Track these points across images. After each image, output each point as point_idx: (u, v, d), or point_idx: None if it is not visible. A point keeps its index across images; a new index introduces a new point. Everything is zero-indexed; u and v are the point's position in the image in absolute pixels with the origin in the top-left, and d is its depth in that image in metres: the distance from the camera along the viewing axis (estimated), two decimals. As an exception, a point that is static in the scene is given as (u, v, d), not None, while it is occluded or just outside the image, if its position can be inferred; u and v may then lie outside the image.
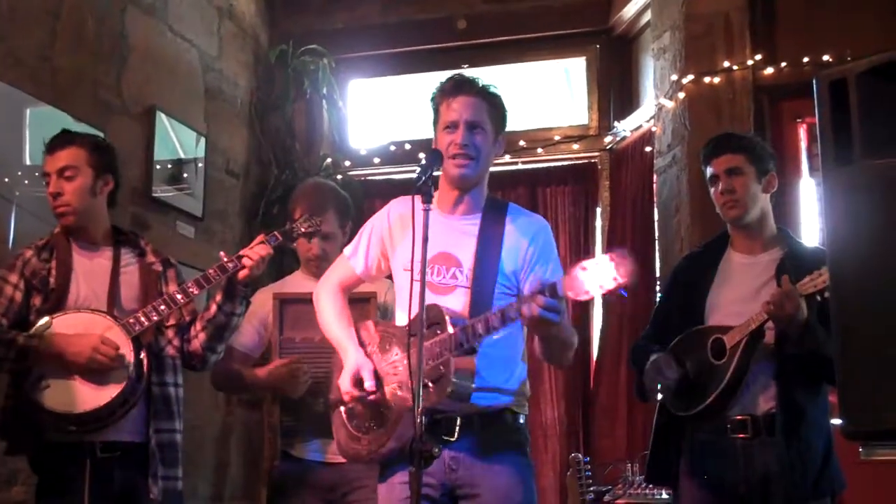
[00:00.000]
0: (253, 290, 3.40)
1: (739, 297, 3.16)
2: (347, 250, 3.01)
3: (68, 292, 3.14)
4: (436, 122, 2.88)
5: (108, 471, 3.06)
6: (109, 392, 3.01)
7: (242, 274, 3.16)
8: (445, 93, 2.85)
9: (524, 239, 2.82)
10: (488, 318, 2.56)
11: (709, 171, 3.28)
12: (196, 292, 3.17)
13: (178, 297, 3.15)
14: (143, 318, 3.10)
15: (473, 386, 2.59)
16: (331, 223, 3.58)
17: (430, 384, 2.57)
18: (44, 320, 3.06)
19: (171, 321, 3.23)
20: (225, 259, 3.17)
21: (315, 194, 3.71)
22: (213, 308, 3.21)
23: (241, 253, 3.18)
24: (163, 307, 3.13)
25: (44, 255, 3.18)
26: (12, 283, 3.13)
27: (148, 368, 3.13)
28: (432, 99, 2.89)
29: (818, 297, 2.91)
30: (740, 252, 3.27)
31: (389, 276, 3.05)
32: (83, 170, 3.20)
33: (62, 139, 3.26)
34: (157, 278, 3.28)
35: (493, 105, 2.85)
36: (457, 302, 2.74)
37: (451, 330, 2.59)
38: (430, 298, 2.69)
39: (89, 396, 3.01)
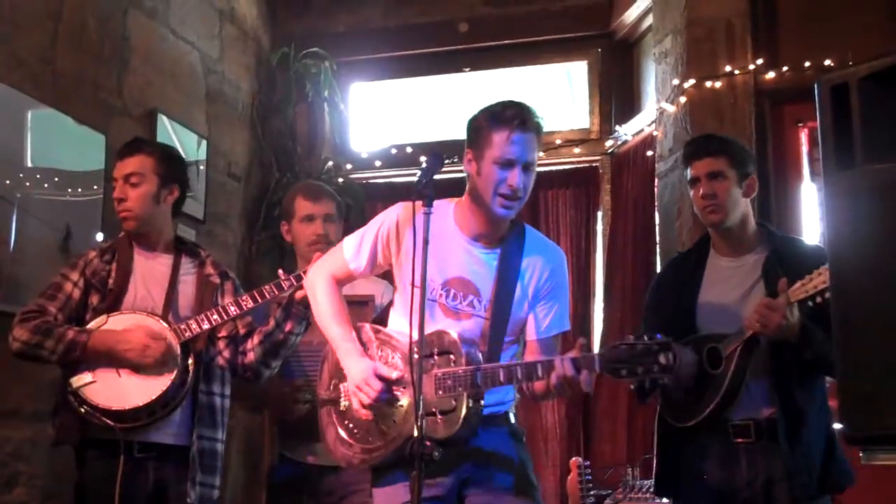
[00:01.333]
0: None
1: (729, 301, 3.15)
2: (348, 250, 2.89)
3: (125, 293, 3.22)
4: (482, 145, 2.70)
5: (143, 470, 3.10)
6: (151, 392, 3.07)
7: (300, 294, 3.15)
8: (506, 122, 2.67)
9: (541, 272, 2.80)
10: (513, 369, 2.55)
11: (689, 172, 3.25)
12: (249, 306, 3.18)
13: (231, 309, 3.17)
14: (193, 325, 3.15)
15: (481, 414, 2.60)
16: (330, 207, 3.65)
17: (439, 416, 2.56)
18: (100, 318, 3.14)
19: (224, 332, 3.27)
20: (282, 277, 3.18)
21: (313, 184, 3.86)
22: (272, 324, 3.22)
23: (300, 272, 3.16)
24: (215, 317, 3.16)
25: (106, 257, 3.28)
26: (72, 281, 3.22)
27: (194, 375, 3.16)
28: (487, 119, 2.71)
29: (810, 303, 2.89)
30: (724, 255, 3.24)
31: (383, 276, 3.05)
32: (149, 177, 3.27)
33: (132, 146, 3.35)
34: (214, 290, 3.31)
35: (540, 140, 2.75)
36: (471, 330, 2.72)
37: (464, 365, 2.58)
38: (441, 319, 2.70)
39: (131, 394, 3.06)
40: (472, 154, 2.75)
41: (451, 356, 2.59)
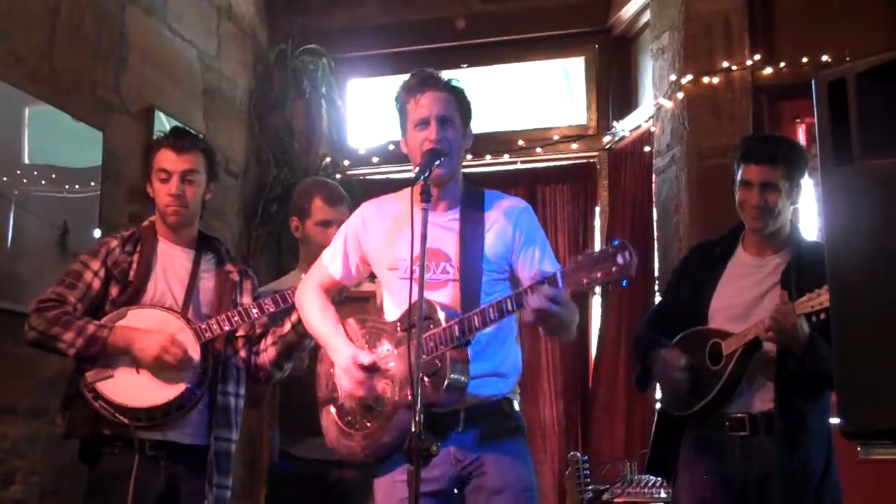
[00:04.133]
0: None
1: (743, 301, 3.14)
2: (325, 256, 2.97)
3: (146, 288, 3.17)
4: (403, 122, 2.84)
5: (155, 468, 3.05)
6: (168, 393, 3.03)
7: None
8: (411, 90, 2.81)
9: (508, 223, 2.81)
10: (485, 310, 2.56)
11: (741, 172, 3.15)
12: (272, 309, 3.17)
13: (253, 311, 3.15)
14: (214, 326, 3.11)
15: (469, 378, 2.60)
16: (346, 212, 3.61)
17: (426, 379, 2.57)
18: (118, 312, 3.09)
19: (242, 332, 3.24)
20: None
21: (333, 188, 3.75)
22: (288, 326, 3.20)
23: None
24: (236, 318, 3.14)
25: (128, 248, 3.21)
26: (93, 270, 3.15)
27: (213, 376, 3.13)
28: (396, 98, 2.85)
29: (814, 318, 2.87)
30: (750, 253, 3.22)
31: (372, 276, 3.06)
32: (202, 175, 3.25)
33: (191, 141, 3.29)
34: (233, 287, 3.28)
35: (459, 99, 2.84)
36: (448, 295, 2.73)
37: (444, 323, 2.59)
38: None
39: (148, 393, 3.03)
40: (402, 132, 2.86)
41: (431, 321, 2.62)
